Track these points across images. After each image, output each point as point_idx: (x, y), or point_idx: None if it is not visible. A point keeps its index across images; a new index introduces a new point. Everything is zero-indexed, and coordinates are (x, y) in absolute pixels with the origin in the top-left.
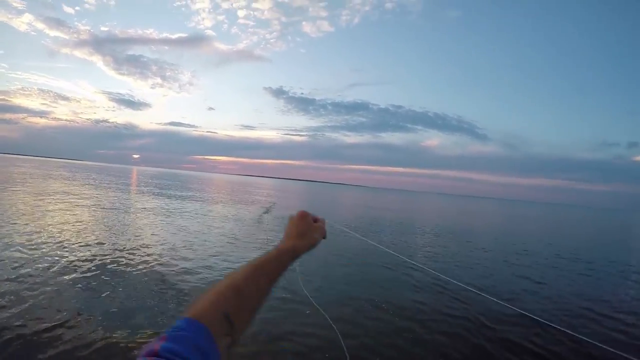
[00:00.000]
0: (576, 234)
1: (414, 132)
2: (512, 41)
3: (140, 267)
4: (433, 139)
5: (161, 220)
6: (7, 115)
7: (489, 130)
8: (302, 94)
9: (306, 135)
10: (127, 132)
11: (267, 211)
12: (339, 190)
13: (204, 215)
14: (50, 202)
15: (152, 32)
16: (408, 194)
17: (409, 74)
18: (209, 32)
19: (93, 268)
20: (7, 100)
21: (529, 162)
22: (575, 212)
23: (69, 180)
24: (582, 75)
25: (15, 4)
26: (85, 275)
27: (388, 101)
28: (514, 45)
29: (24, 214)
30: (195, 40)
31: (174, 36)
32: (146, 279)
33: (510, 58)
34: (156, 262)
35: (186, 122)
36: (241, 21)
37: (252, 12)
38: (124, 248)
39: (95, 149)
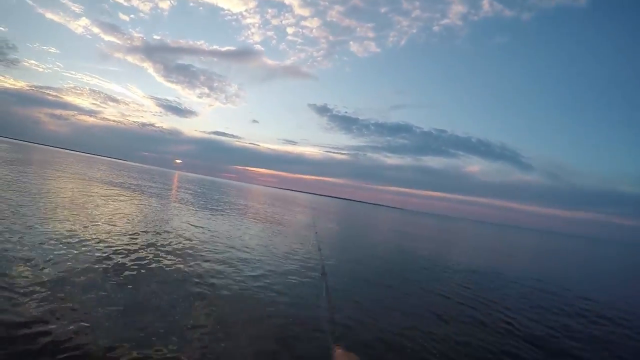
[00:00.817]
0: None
1: (455, 157)
2: (560, 69)
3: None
4: (474, 165)
5: (195, 225)
6: (59, 111)
7: (533, 159)
8: (345, 112)
9: (347, 154)
10: (172, 138)
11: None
12: (376, 211)
13: (240, 223)
14: (96, 196)
15: (202, 44)
16: (446, 219)
17: (452, 98)
18: (258, 47)
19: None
20: (59, 97)
21: (572, 193)
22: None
23: (115, 177)
24: (630, 107)
25: (73, 8)
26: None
27: (431, 125)
28: (562, 74)
29: (73, 204)
30: (244, 53)
31: (223, 49)
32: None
33: (557, 85)
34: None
35: (229, 133)
36: (290, 38)
37: (300, 30)
38: (166, 245)
39: (140, 151)
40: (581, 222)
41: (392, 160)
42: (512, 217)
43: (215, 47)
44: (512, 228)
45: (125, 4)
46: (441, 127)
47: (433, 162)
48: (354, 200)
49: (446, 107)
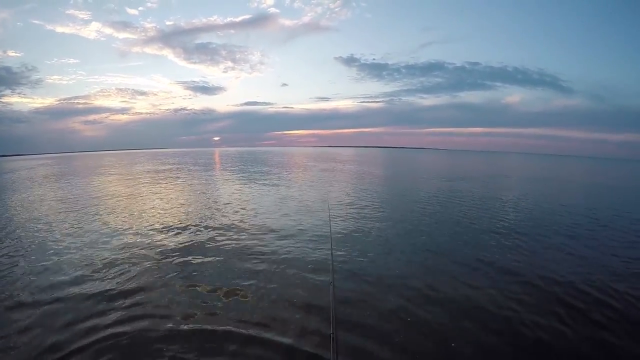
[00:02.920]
0: None
1: (493, 89)
2: None
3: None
4: (514, 95)
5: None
6: (92, 117)
7: (574, 82)
8: (373, 59)
9: (382, 101)
10: (206, 117)
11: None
12: (418, 154)
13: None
14: (145, 185)
15: (216, 19)
16: (491, 155)
17: (482, 27)
18: (272, 10)
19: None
20: (89, 103)
21: (619, 115)
22: None
23: (158, 165)
24: None
25: (81, 16)
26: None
27: (463, 58)
28: None
29: (130, 194)
30: (260, 19)
31: (238, 19)
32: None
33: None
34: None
35: (261, 101)
36: None
37: None
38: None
39: (177, 137)
40: (634, 146)
41: (428, 101)
42: (559, 146)
43: (229, 19)
44: (562, 157)
45: None
46: (474, 59)
47: (470, 97)
48: (395, 147)
49: (477, 37)
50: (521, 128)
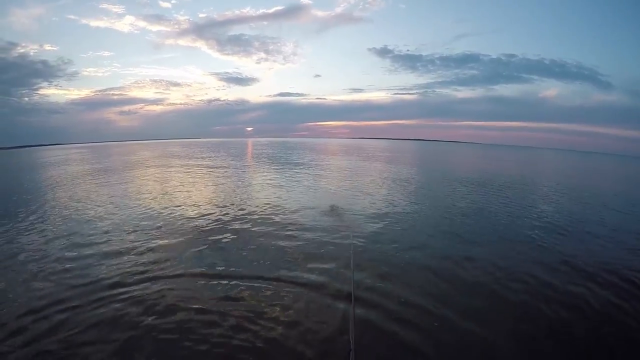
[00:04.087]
0: None
1: (529, 82)
2: None
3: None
4: (550, 89)
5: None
6: (127, 108)
7: (613, 76)
8: (407, 51)
9: (416, 93)
10: (239, 107)
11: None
12: (451, 148)
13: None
14: (186, 173)
15: (248, 10)
16: (527, 150)
17: (518, 18)
18: (305, 1)
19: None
20: (124, 94)
21: None
22: None
23: (193, 154)
24: None
25: (115, 10)
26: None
27: (499, 50)
28: None
29: (170, 183)
30: (292, 10)
31: (271, 10)
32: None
33: None
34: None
35: (294, 92)
36: None
37: None
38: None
39: (211, 127)
40: None
41: (462, 93)
42: (597, 143)
43: (262, 10)
44: (601, 155)
45: None
46: (510, 51)
47: (506, 90)
48: (428, 140)
49: (512, 29)
50: (558, 123)
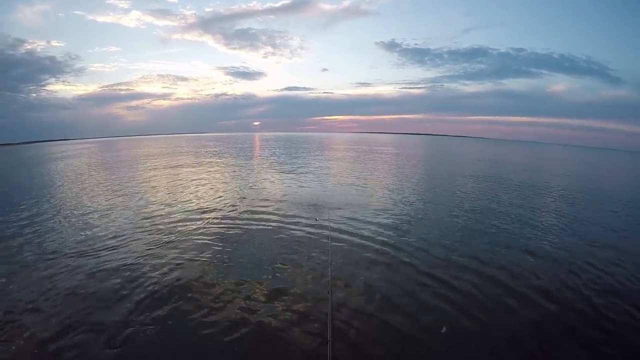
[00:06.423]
0: None
1: (538, 76)
2: None
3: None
4: (559, 84)
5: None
6: (134, 102)
7: (622, 71)
8: (415, 44)
9: (424, 87)
10: (246, 102)
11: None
12: (459, 143)
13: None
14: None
15: (255, 4)
16: (536, 146)
17: (526, 11)
18: None
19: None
20: (131, 89)
21: None
22: None
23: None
24: None
25: (121, 5)
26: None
27: (507, 44)
28: None
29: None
30: (299, 4)
31: (278, 4)
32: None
33: None
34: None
35: (302, 86)
36: None
37: None
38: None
39: (218, 121)
40: None
41: (470, 87)
42: (606, 139)
43: (269, 4)
44: (609, 152)
45: None
46: (518, 45)
47: (514, 84)
48: (436, 135)
49: (520, 22)
50: (567, 119)
